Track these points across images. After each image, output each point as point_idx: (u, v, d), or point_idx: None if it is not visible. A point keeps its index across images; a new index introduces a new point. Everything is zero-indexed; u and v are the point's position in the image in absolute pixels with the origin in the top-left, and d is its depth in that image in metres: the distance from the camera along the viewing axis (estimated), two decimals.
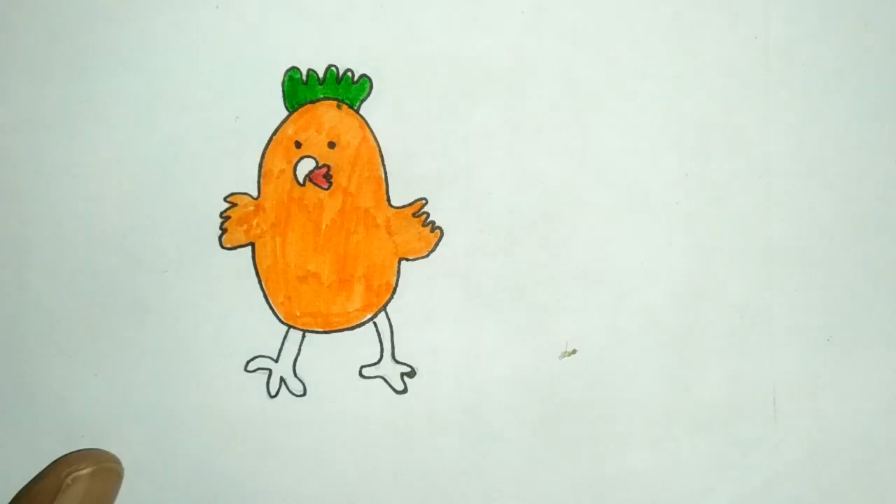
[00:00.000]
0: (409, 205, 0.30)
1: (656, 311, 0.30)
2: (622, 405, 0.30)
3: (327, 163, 0.30)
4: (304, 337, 0.30)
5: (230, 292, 0.30)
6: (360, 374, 0.30)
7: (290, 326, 0.30)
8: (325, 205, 0.30)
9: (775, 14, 0.30)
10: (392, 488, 0.31)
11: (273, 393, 0.30)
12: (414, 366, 0.30)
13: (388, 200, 0.30)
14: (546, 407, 0.30)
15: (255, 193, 0.30)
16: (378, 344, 0.30)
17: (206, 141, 0.30)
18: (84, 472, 0.28)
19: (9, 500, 0.29)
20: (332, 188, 0.30)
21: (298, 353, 0.30)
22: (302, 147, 0.30)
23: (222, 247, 0.30)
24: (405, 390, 0.30)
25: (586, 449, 0.31)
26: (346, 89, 0.30)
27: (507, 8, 0.30)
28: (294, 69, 0.30)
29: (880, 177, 0.30)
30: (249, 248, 0.30)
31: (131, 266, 0.30)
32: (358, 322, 0.30)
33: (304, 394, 0.30)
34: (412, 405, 0.30)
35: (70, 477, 0.28)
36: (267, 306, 0.30)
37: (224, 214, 0.30)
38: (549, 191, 0.30)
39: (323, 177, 0.30)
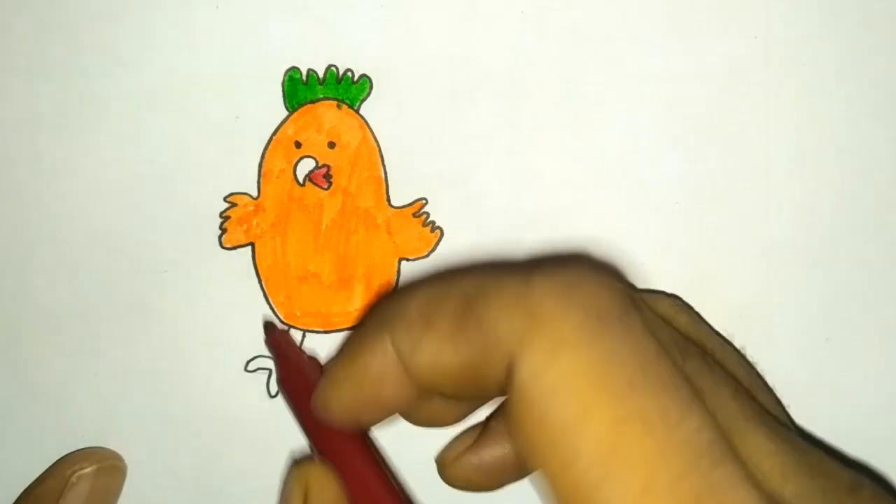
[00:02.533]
0: (409, 205, 0.30)
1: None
2: None
3: (327, 163, 0.30)
4: (304, 337, 0.30)
5: (230, 292, 0.30)
6: None
7: (290, 326, 0.30)
8: (325, 205, 0.30)
9: (775, 14, 0.30)
10: None
11: (273, 393, 0.30)
12: None
13: (389, 200, 0.30)
14: None
15: (254, 193, 0.30)
16: None
17: (206, 141, 0.30)
18: (88, 470, 0.28)
19: (10, 500, 0.29)
20: (332, 188, 0.30)
21: None
22: (302, 147, 0.30)
23: (222, 247, 0.30)
24: None
25: None
26: (346, 89, 0.30)
27: (507, 8, 0.30)
28: (294, 69, 0.30)
29: (881, 177, 0.30)
30: (249, 248, 0.30)
31: (131, 266, 0.30)
32: (358, 322, 0.30)
33: None
34: None
35: (75, 476, 0.28)
36: (267, 306, 0.30)
37: (224, 214, 0.30)
38: (549, 191, 0.30)
39: (323, 177, 0.30)
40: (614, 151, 0.30)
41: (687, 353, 0.20)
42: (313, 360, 0.29)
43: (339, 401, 0.23)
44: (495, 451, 0.25)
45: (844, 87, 0.30)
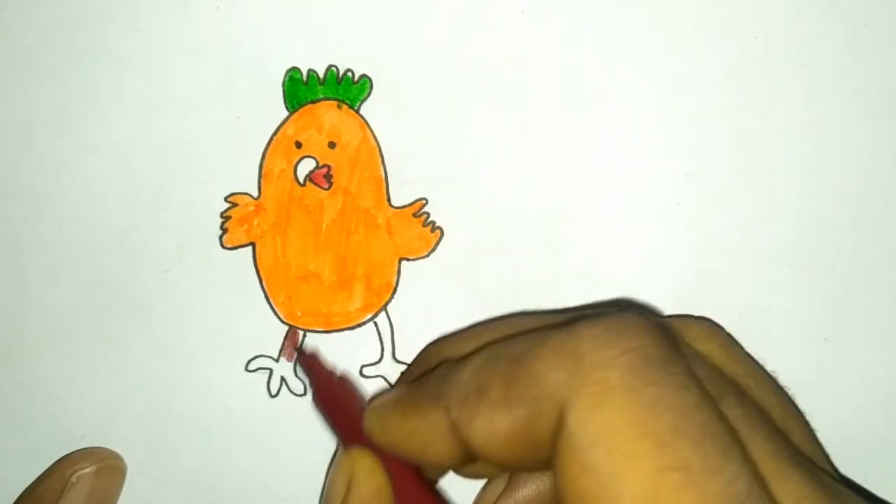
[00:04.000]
0: (410, 205, 0.30)
1: (656, 311, 0.30)
2: None
3: (327, 163, 0.30)
4: (304, 336, 0.30)
5: (231, 292, 0.30)
6: (361, 374, 0.30)
7: (290, 326, 0.30)
8: (325, 205, 0.30)
9: (775, 14, 0.30)
10: None
11: (273, 393, 0.30)
12: None
13: (389, 200, 0.30)
14: None
15: (255, 193, 0.30)
16: (378, 343, 0.30)
17: (206, 141, 0.30)
18: (88, 470, 0.28)
19: (10, 500, 0.29)
20: (332, 188, 0.30)
21: None
22: (302, 147, 0.30)
23: (223, 247, 0.30)
24: None
25: None
26: (347, 89, 0.30)
27: (507, 8, 0.30)
28: (294, 69, 0.30)
29: (880, 177, 0.30)
30: (250, 247, 0.30)
31: (132, 266, 0.30)
32: (358, 322, 0.30)
33: (305, 394, 0.30)
34: None
35: (75, 475, 0.28)
36: (268, 306, 0.30)
37: (224, 214, 0.30)
38: (550, 191, 0.30)
39: (323, 177, 0.30)
40: (614, 152, 0.30)
41: (723, 391, 0.21)
42: (344, 379, 0.29)
43: (385, 443, 0.24)
44: (528, 491, 0.25)
45: (844, 87, 0.30)
